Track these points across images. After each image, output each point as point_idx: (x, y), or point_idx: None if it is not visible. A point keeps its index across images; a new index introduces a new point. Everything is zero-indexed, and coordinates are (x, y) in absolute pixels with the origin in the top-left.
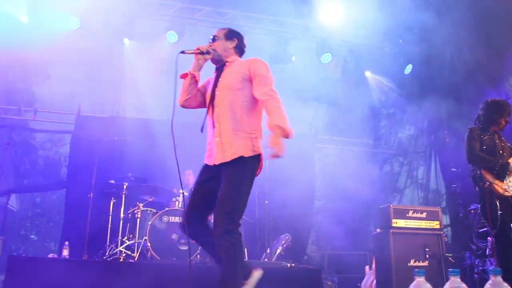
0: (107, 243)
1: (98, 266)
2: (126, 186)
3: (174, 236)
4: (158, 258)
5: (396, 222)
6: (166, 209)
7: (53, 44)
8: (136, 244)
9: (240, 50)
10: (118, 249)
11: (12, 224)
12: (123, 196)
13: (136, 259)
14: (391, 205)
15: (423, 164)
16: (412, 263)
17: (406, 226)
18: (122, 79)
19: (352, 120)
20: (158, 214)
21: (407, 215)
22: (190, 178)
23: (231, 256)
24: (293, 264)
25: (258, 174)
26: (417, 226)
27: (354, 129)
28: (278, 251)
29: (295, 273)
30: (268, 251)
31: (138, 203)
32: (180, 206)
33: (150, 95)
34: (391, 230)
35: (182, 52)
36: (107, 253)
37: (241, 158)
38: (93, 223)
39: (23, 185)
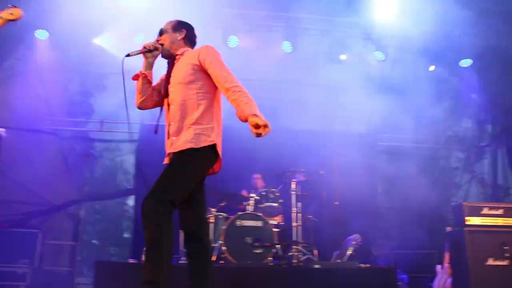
0: (180, 248)
1: (179, 270)
2: None
3: (248, 240)
4: (234, 261)
5: (470, 220)
6: (239, 213)
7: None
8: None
9: (190, 41)
10: None
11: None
12: None
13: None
14: (464, 203)
15: (485, 158)
16: (490, 262)
17: (482, 223)
18: None
19: (410, 116)
20: (232, 218)
21: (481, 212)
22: (259, 182)
23: (154, 238)
24: (367, 265)
25: (217, 170)
26: (493, 224)
27: (412, 125)
28: (349, 252)
29: (369, 273)
30: (338, 252)
31: (210, 208)
32: (252, 209)
33: None
34: (465, 229)
35: (128, 55)
36: (182, 258)
37: (189, 149)
38: None
39: (91, 194)
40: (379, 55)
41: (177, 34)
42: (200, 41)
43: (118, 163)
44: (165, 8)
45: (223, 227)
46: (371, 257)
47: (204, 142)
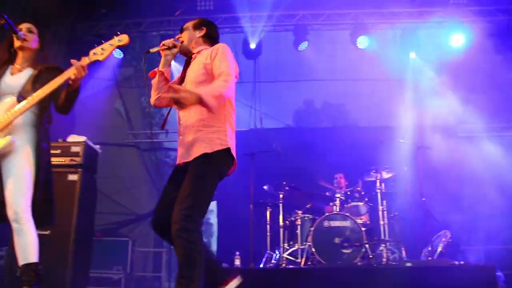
0: (268, 250)
1: (272, 273)
2: (283, 195)
3: (337, 240)
4: (324, 262)
5: None
6: (326, 214)
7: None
8: (300, 250)
9: (210, 38)
10: (282, 256)
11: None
12: (281, 205)
13: (302, 264)
14: None
15: None
16: None
17: None
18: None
19: (496, 104)
20: (319, 219)
21: None
22: (342, 181)
23: (187, 255)
24: (462, 262)
25: (230, 172)
26: None
27: (499, 114)
28: (439, 249)
29: (465, 271)
30: (427, 249)
31: (296, 211)
32: (337, 210)
33: (285, 104)
34: None
35: (148, 52)
36: (272, 260)
37: (204, 155)
38: (250, 232)
39: None
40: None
41: (197, 32)
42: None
43: None
44: None
45: (311, 229)
46: (461, 253)
47: (218, 146)
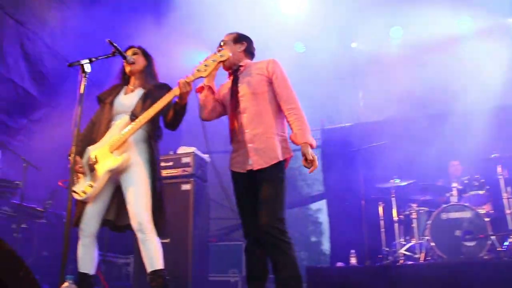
0: (383, 247)
1: (390, 270)
2: (394, 189)
3: (458, 233)
4: (445, 257)
5: None
6: (443, 206)
7: None
8: (418, 245)
9: (250, 53)
10: (399, 252)
11: None
12: (393, 199)
13: (422, 260)
14: None
15: None
16: None
17: None
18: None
19: None
20: (437, 211)
21: None
22: (457, 169)
23: (286, 256)
24: None
25: None
26: None
27: None
28: None
29: None
30: None
31: (410, 204)
32: (456, 200)
33: (387, 94)
34: None
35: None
36: (388, 257)
37: (279, 161)
38: (363, 229)
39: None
40: None
41: (238, 46)
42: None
43: (296, 171)
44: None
45: (428, 222)
46: None
47: (287, 154)
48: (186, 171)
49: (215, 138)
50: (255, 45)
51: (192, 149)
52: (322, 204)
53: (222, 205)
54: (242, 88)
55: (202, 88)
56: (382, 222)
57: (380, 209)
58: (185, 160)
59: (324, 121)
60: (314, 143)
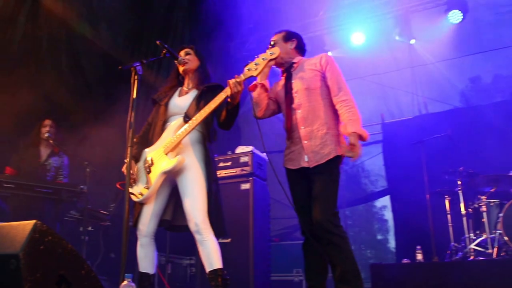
0: (452, 242)
1: (460, 266)
2: (461, 181)
3: None
4: None
5: None
6: None
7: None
8: (489, 239)
9: (301, 49)
10: (469, 247)
11: None
12: (460, 192)
13: (494, 255)
14: None
15: None
16: None
17: None
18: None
19: None
20: (509, 203)
21: None
22: None
23: (344, 250)
24: None
25: None
26: None
27: None
28: None
29: None
30: None
31: (479, 196)
32: None
33: (449, 85)
34: None
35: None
36: (458, 253)
37: (335, 157)
38: (429, 224)
39: (340, 201)
40: None
41: (289, 44)
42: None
43: (359, 167)
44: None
45: (500, 215)
46: None
47: (343, 150)
48: (245, 170)
49: (272, 137)
50: (305, 41)
51: (250, 148)
52: (387, 201)
53: (285, 204)
54: (296, 85)
55: (255, 86)
56: (449, 217)
57: (447, 203)
58: (243, 159)
59: (385, 115)
60: (366, 135)
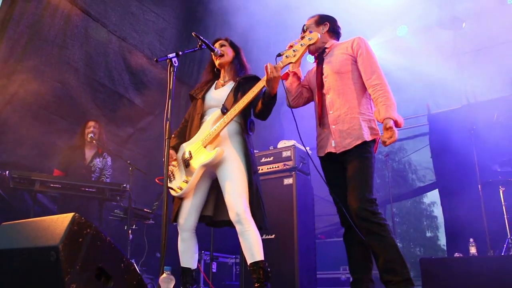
0: (509, 236)
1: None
2: None
3: None
4: None
5: None
6: None
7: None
8: None
9: (334, 32)
10: None
11: None
12: None
13: None
14: None
15: None
16: None
17: None
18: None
19: None
20: None
21: None
22: None
23: (385, 238)
24: None
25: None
26: None
27: None
28: None
29: None
30: None
31: None
32: None
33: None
34: None
35: (279, 55)
36: None
37: (364, 142)
38: (483, 216)
39: (385, 198)
40: None
41: (321, 28)
42: None
43: (406, 164)
44: None
45: None
46: None
47: (374, 135)
48: (288, 165)
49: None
50: (339, 23)
51: (292, 142)
52: (435, 197)
53: (329, 201)
54: (326, 69)
55: (287, 75)
56: (503, 208)
57: (501, 193)
58: (285, 154)
59: (430, 106)
60: (401, 120)
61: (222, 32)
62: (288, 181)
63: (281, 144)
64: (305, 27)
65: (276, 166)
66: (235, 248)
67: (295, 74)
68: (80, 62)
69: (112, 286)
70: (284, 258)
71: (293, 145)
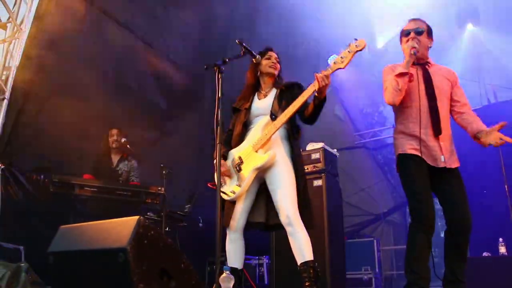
0: None
1: None
2: None
3: None
4: None
5: None
6: None
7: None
8: None
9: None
10: None
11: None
12: None
13: None
14: None
15: None
16: None
17: None
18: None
19: None
20: None
21: None
22: None
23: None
24: None
25: None
26: None
27: None
28: None
29: None
30: None
31: None
32: None
33: None
34: None
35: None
36: None
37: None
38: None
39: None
40: None
41: (429, 41)
42: None
43: None
44: None
45: None
46: None
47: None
48: (317, 167)
49: (339, 135)
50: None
51: (320, 144)
52: None
53: (347, 203)
54: (438, 89)
55: (402, 74)
56: None
57: None
58: (314, 156)
59: None
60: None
61: (245, 38)
62: (317, 182)
63: (310, 146)
64: (420, 28)
65: (306, 168)
66: (258, 249)
67: (412, 75)
68: (108, 67)
69: (174, 286)
70: (316, 258)
71: (322, 147)
